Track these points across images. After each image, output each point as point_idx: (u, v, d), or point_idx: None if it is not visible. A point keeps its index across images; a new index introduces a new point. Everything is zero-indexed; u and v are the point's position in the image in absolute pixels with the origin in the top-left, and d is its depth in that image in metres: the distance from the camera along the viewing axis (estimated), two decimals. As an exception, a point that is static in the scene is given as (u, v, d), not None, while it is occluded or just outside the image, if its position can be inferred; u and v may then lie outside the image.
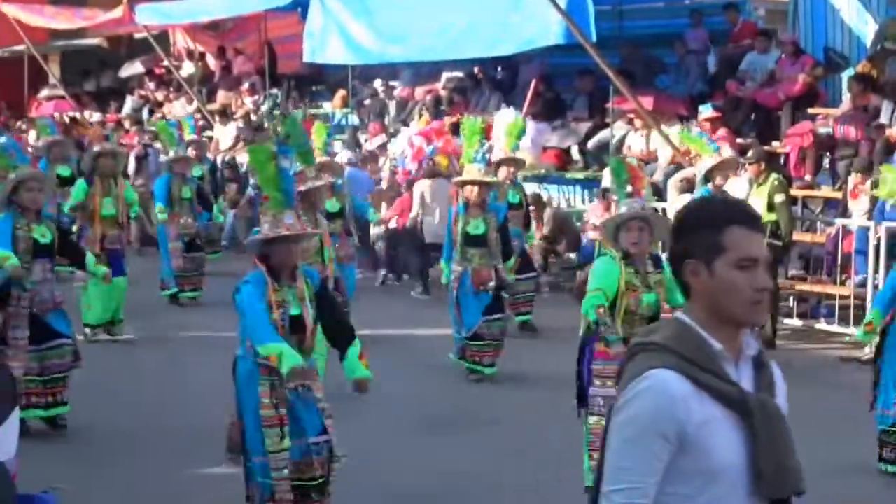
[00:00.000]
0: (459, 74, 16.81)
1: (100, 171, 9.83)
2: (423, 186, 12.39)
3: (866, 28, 13.52)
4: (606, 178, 12.54)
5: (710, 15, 14.90)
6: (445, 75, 16.89)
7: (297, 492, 5.07)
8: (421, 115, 16.12)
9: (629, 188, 6.83)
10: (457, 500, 6.17)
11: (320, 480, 5.10)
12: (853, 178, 11.00)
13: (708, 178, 9.94)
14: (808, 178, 11.62)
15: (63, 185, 12.16)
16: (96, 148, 11.13)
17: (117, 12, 20.14)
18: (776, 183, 10.61)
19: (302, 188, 7.21)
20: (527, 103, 14.76)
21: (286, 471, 4.99)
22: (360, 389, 5.18)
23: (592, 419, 5.66)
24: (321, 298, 5.23)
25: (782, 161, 11.98)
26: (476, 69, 16.58)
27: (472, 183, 8.67)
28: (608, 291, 5.80)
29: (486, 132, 9.62)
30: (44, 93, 22.83)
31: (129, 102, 21.32)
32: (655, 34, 15.05)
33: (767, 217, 10.29)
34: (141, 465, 6.58)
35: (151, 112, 19.84)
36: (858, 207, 10.55)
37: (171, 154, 11.79)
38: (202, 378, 8.28)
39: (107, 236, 9.54)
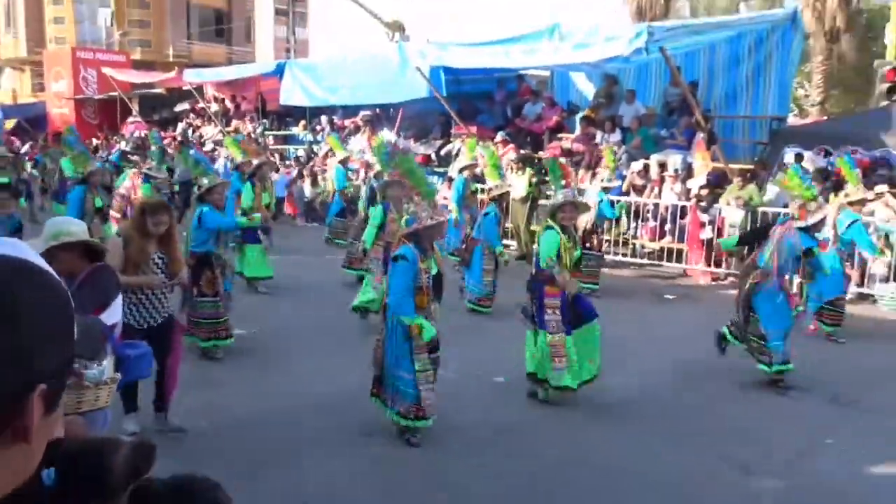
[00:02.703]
0: (368, 112, 19.83)
1: (259, 177, 10.85)
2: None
3: (590, 90, 17.36)
4: (452, 170, 14.54)
5: (508, 82, 18.42)
6: (361, 112, 19.95)
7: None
8: (364, 132, 18.91)
9: (563, 182, 6.88)
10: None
11: None
12: (581, 173, 13.17)
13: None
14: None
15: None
16: (256, 161, 11.83)
17: (173, 74, 25.62)
18: (532, 173, 12.96)
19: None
20: (396, 127, 18.09)
21: (431, 386, 5.36)
22: (411, 331, 5.22)
23: (549, 337, 6.05)
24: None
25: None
26: (378, 109, 19.78)
27: (502, 194, 9.70)
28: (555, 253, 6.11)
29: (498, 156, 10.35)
30: (129, 120, 28.23)
31: (180, 126, 25.56)
32: (478, 91, 18.11)
33: (527, 192, 12.83)
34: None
35: (193, 132, 23.71)
36: (591, 189, 11.55)
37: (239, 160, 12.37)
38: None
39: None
